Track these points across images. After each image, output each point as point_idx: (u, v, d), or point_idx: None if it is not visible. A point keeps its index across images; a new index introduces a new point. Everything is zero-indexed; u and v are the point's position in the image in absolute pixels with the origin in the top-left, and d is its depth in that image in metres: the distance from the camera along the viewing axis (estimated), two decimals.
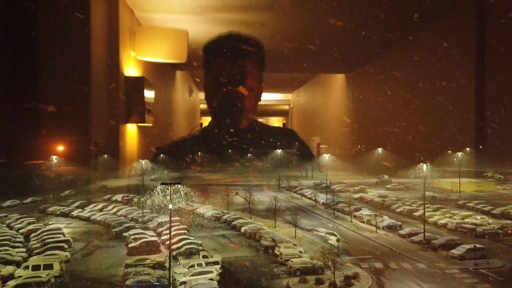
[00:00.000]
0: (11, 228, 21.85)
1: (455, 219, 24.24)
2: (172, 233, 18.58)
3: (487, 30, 35.85)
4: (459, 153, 34.26)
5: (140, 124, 38.14)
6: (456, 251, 18.17)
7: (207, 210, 26.23)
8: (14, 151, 26.63)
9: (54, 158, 27.82)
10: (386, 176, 38.99)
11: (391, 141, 42.93)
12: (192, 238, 19.80)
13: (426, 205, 24.24)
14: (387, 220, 23.59)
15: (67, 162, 28.82)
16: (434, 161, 32.08)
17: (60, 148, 28.40)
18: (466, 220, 23.91)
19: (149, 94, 37.77)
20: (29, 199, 28.14)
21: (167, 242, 18.00)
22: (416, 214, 25.62)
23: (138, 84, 36.33)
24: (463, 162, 34.16)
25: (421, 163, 25.38)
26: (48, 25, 27.71)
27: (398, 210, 27.14)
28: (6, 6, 25.83)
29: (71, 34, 28.01)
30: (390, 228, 22.65)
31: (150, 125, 39.40)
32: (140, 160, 32.69)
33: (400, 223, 23.25)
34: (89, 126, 29.50)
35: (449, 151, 35.90)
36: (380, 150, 42.38)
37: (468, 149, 36.01)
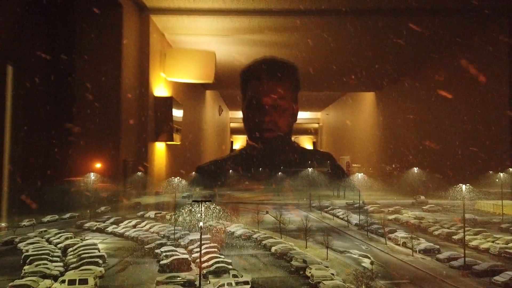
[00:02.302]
0: (50, 243, 22.62)
1: (498, 243, 22.82)
2: (203, 251, 18.65)
3: None
4: (501, 174, 32.62)
5: (168, 142, 39.16)
6: (499, 278, 17.03)
7: (237, 228, 26.16)
8: (54, 169, 27.86)
9: (92, 175, 28.86)
10: (422, 197, 37.55)
11: (426, 160, 41.54)
12: (223, 256, 19.76)
13: (466, 228, 23.05)
14: (424, 243, 22.58)
15: (102, 179, 29.78)
16: (474, 181, 30.68)
17: (98, 165, 29.44)
18: (510, 245, 22.51)
19: (177, 113, 38.89)
20: (68, 215, 29.16)
21: (198, 260, 18.08)
22: (455, 237, 24.37)
23: (167, 103, 37.52)
24: (506, 183, 32.45)
25: (459, 184, 24.34)
26: (83, 49, 29.27)
27: (436, 233, 25.91)
28: (48, 29, 27.56)
29: (104, 57, 29.42)
30: (428, 251, 21.64)
31: (178, 143, 40.31)
32: (172, 177, 33.31)
33: (438, 246, 22.16)
34: (120, 145, 30.54)
35: (490, 172, 34.27)
36: (415, 169, 41.06)
37: (511, 169, 34.25)
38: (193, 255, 20.43)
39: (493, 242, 23.49)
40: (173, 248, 21.15)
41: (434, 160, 41.56)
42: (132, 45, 32.38)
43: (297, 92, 12.96)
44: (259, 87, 12.42)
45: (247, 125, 12.40)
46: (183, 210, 25.12)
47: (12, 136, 24.95)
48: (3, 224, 24.90)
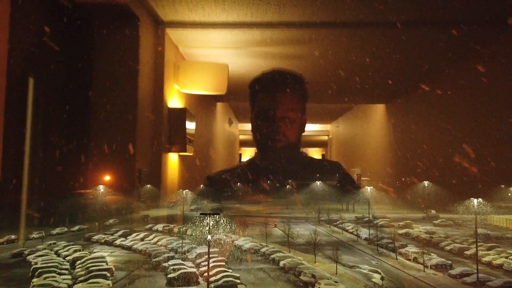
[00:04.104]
0: (59, 255, 22.68)
1: (511, 259, 22.37)
2: (211, 265, 18.51)
3: None
4: None
5: (181, 153, 39.24)
6: None
7: (245, 242, 25.97)
8: (69, 180, 28.07)
9: (101, 188, 29.02)
10: (433, 211, 36.93)
11: (437, 173, 40.98)
12: (230, 270, 19.58)
13: (479, 244, 22.56)
14: (435, 259, 22.10)
15: (113, 191, 29.91)
16: (486, 195, 30.17)
17: (107, 178, 29.61)
18: None
19: (190, 125, 39.03)
20: (76, 227, 29.26)
21: (205, 274, 17.93)
22: (467, 252, 23.82)
23: (180, 115, 37.69)
24: None
25: (471, 198, 23.92)
26: (101, 61, 29.75)
27: (448, 248, 25.35)
28: (67, 41, 28.17)
29: (121, 69, 29.82)
30: (439, 267, 21.15)
31: (191, 154, 40.37)
32: (181, 189, 33.31)
33: (450, 262, 21.66)
34: (134, 156, 30.67)
35: (502, 186, 33.66)
36: (426, 183, 40.52)
37: None
38: (200, 269, 20.31)
39: (506, 257, 22.87)
40: (180, 261, 21.02)
41: (445, 174, 41.00)
42: (148, 58, 32.90)
43: (305, 103, 12.91)
44: (267, 99, 12.38)
45: (256, 136, 12.38)
46: (191, 224, 25.07)
47: (31, 148, 25.36)
48: (12, 237, 25.06)
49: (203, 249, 22.92)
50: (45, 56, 25.80)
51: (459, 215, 32.37)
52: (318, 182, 31.93)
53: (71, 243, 25.50)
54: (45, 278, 18.13)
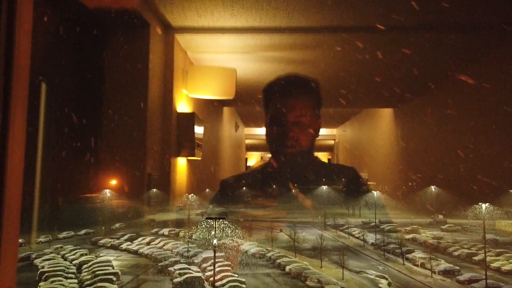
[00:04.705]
0: (65, 259, 22.83)
1: None
2: (216, 269, 18.50)
3: None
4: None
5: (189, 158, 39.35)
6: None
7: (251, 246, 25.91)
8: (74, 185, 28.29)
9: (107, 192, 29.18)
10: (440, 216, 36.54)
11: (444, 178, 40.61)
12: (236, 275, 19.54)
13: (488, 249, 22.27)
14: (443, 264, 21.82)
15: (121, 196, 30.04)
16: (494, 200, 29.86)
17: (116, 182, 29.77)
18: None
19: (198, 130, 39.16)
20: (83, 231, 29.44)
21: (211, 279, 17.92)
22: (476, 258, 23.50)
23: (189, 119, 37.77)
24: None
25: (479, 203, 23.64)
26: (112, 66, 30.07)
27: (456, 253, 25.02)
28: (78, 47, 28.53)
29: (132, 74, 30.08)
30: (447, 272, 20.88)
31: (199, 158, 40.48)
32: (188, 194, 33.34)
33: (458, 267, 21.38)
34: (144, 160, 30.85)
35: (511, 190, 33.29)
36: (433, 187, 40.18)
37: None
38: (206, 274, 20.28)
39: None
40: (186, 266, 21.05)
41: (453, 178, 40.65)
42: (157, 63, 33.17)
43: (319, 108, 12.86)
44: (280, 104, 12.38)
45: (269, 141, 12.37)
46: (196, 228, 25.08)
47: (43, 153, 25.67)
48: (20, 240, 25.33)
49: (209, 253, 22.96)
50: (58, 61, 26.16)
51: (467, 220, 32.02)
52: (324, 187, 31.83)
53: (78, 247, 25.64)
54: (52, 281, 18.26)
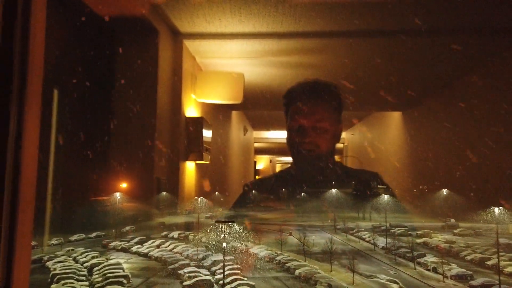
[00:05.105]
0: (77, 262, 23.04)
1: None
2: (226, 273, 18.50)
3: None
4: None
5: (198, 162, 39.64)
6: None
7: (260, 250, 25.79)
8: (84, 188, 28.69)
9: (118, 195, 29.52)
10: (452, 220, 35.90)
11: (456, 182, 40.17)
12: (245, 279, 19.56)
13: (501, 254, 21.81)
14: (455, 269, 21.31)
15: (130, 199, 30.35)
16: (507, 203, 29.40)
17: (126, 185, 30.10)
18: None
19: (207, 134, 39.33)
20: (94, 234, 29.66)
21: (221, 282, 17.90)
22: (489, 263, 22.93)
23: (197, 124, 37.98)
24: None
25: (492, 206, 23.26)
26: (122, 72, 30.53)
27: (468, 258, 24.43)
28: (89, 53, 29.04)
29: (141, 80, 30.39)
30: (460, 277, 20.43)
31: (207, 162, 40.68)
32: (196, 197, 33.47)
33: (470, 272, 20.83)
34: (153, 164, 31.24)
35: None
36: (444, 191, 39.74)
37: None
38: (216, 277, 20.29)
39: None
40: (196, 269, 21.02)
41: (464, 182, 40.10)
42: (166, 69, 33.45)
43: (339, 112, 12.74)
44: (299, 109, 12.40)
45: (290, 146, 12.32)
46: (206, 231, 25.11)
47: (55, 158, 26.18)
48: (33, 243, 25.77)
49: (219, 256, 22.90)
50: (70, 68, 26.64)
51: (480, 224, 31.45)
52: (333, 190, 31.69)
53: (89, 249, 25.71)
54: (63, 284, 18.38)
